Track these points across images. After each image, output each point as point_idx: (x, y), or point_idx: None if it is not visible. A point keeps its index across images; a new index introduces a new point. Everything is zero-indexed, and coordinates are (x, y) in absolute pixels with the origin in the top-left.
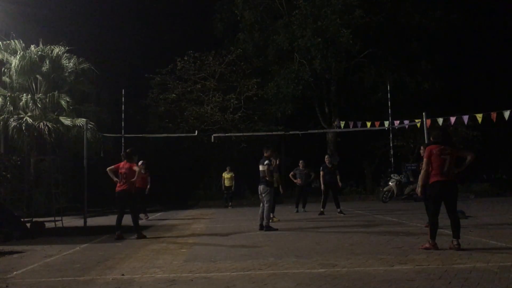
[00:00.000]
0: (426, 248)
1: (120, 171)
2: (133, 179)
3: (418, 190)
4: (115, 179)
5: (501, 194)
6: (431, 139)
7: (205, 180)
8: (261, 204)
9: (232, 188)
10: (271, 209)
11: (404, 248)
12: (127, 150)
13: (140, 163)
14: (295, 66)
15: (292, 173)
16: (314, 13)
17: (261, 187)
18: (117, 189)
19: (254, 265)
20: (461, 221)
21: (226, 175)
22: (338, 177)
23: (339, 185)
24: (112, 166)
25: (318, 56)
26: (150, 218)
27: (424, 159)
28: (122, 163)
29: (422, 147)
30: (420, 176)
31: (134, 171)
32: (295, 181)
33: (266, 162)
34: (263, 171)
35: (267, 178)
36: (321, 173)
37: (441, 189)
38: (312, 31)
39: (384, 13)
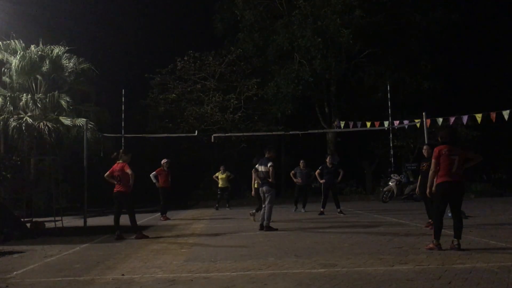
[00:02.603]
0: (430, 249)
1: (114, 173)
2: (129, 183)
3: (427, 191)
4: (115, 182)
5: (501, 194)
6: (438, 139)
7: (205, 180)
8: (263, 205)
9: (229, 188)
10: (271, 210)
11: (404, 248)
12: (120, 150)
13: (164, 161)
14: (295, 66)
15: (292, 172)
16: (314, 13)
17: (264, 188)
18: (114, 189)
19: (254, 265)
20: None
21: (220, 175)
22: (339, 176)
23: (337, 181)
24: (107, 172)
25: (318, 56)
26: (151, 218)
27: (433, 160)
28: (115, 165)
29: (425, 147)
30: (429, 177)
31: (127, 174)
32: (295, 180)
33: (270, 163)
34: (266, 172)
35: (270, 179)
36: (318, 171)
37: (449, 190)
38: (312, 31)
39: (384, 13)
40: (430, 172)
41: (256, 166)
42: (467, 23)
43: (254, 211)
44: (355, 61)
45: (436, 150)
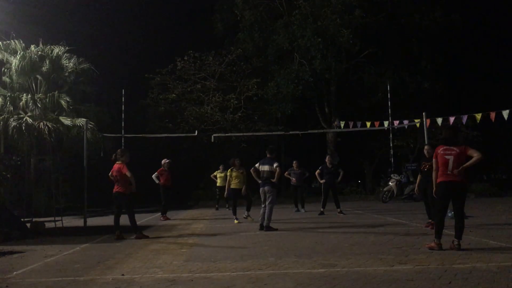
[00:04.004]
0: (431, 248)
1: (113, 173)
2: (127, 183)
3: (433, 190)
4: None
5: (501, 194)
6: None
7: (205, 180)
8: (263, 205)
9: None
10: (272, 210)
11: (404, 248)
12: (117, 150)
13: (164, 161)
14: (295, 66)
15: (286, 172)
16: (314, 13)
17: (266, 188)
18: (113, 190)
19: (254, 265)
20: None
21: (219, 174)
22: (340, 176)
23: (337, 181)
24: (110, 172)
25: (318, 56)
26: (151, 218)
27: (433, 159)
28: (114, 165)
29: (427, 147)
30: (433, 177)
31: (125, 175)
32: (290, 178)
33: (276, 164)
34: (271, 172)
35: (273, 180)
36: (318, 171)
37: (447, 190)
38: (312, 31)
39: (384, 13)
40: (433, 172)
41: (256, 165)
42: (467, 24)
43: (246, 213)
44: (355, 61)
45: (435, 149)
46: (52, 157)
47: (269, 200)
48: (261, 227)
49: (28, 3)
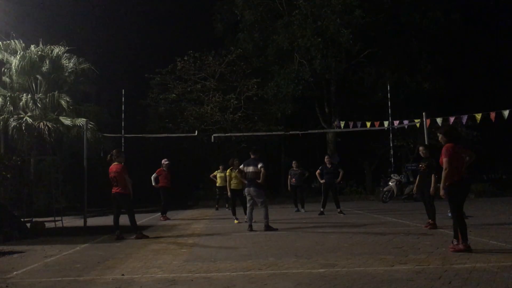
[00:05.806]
0: (459, 250)
1: (110, 175)
2: (125, 184)
3: (441, 192)
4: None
5: (501, 194)
6: (440, 138)
7: (205, 180)
8: (249, 205)
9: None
10: (267, 210)
11: (404, 248)
12: (113, 151)
13: (164, 162)
14: (295, 66)
15: (289, 175)
16: (314, 13)
17: (251, 189)
18: (112, 191)
19: (254, 265)
20: None
21: (219, 174)
22: (340, 176)
23: (337, 181)
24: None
25: (318, 56)
26: (151, 218)
27: (445, 158)
28: (111, 166)
29: (421, 148)
30: (443, 177)
31: (123, 176)
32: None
33: (260, 164)
34: (255, 172)
35: (258, 181)
36: (318, 171)
37: (464, 188)
38: (312, 31)
39: (384, 13)
40: (445, 172)
41: (241, 166)
42: (467, 23)
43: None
44: (355, 61)
45: (448, 148)
46: (52, 157)
47: (260, 202)
48: (250, 228)
49: (28, 3)
